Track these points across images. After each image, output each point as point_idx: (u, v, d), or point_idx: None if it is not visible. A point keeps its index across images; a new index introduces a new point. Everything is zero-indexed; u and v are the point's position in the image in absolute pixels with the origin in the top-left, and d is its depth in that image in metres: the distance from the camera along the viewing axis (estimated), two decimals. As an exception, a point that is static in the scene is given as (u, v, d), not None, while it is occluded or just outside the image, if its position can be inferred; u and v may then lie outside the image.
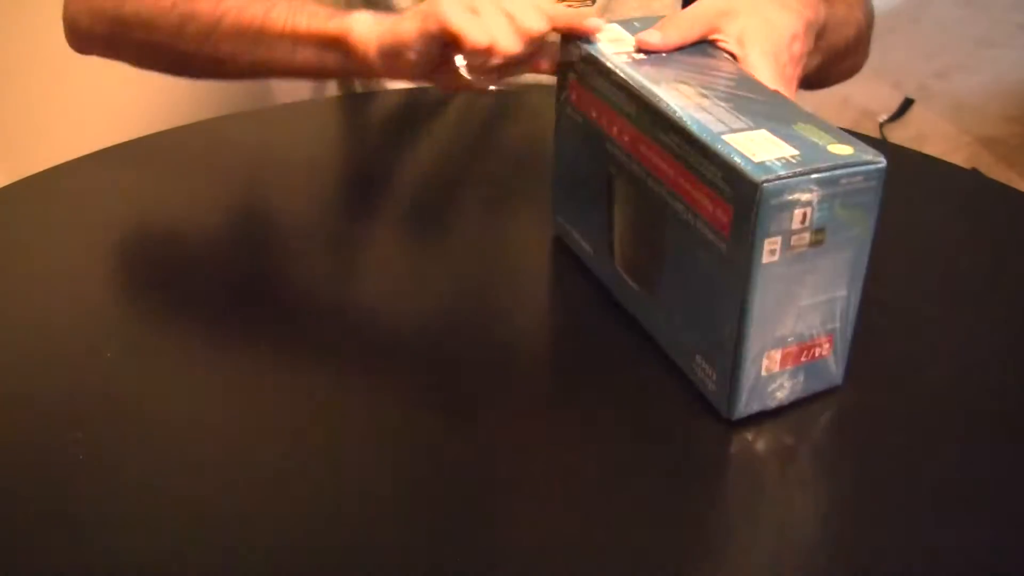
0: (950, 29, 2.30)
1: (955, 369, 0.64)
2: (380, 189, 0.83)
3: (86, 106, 1.20)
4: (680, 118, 0.55)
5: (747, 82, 0.61)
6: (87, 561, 0.49)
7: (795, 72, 0.66)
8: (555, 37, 0.66)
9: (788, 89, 0.64)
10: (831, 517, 0.54)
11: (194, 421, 0.58)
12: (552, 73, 0.67)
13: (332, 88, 1.09)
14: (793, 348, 0.55)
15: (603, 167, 0.63)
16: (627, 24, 0.66)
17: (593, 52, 0.63)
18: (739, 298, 0.53)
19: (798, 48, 0.66)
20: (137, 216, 0.79)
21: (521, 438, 0.58)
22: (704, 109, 0.56)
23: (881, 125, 2.22)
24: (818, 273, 0.54)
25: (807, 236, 0.52)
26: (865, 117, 2.19)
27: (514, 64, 0.66)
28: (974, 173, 1.80)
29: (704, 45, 0.65)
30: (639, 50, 0.63)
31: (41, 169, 0.82)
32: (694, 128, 0.54)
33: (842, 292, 0.55)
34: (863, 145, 0.53)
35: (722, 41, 0.65)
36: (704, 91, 0.58)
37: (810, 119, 0.56)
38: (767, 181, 0.50)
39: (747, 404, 0.56)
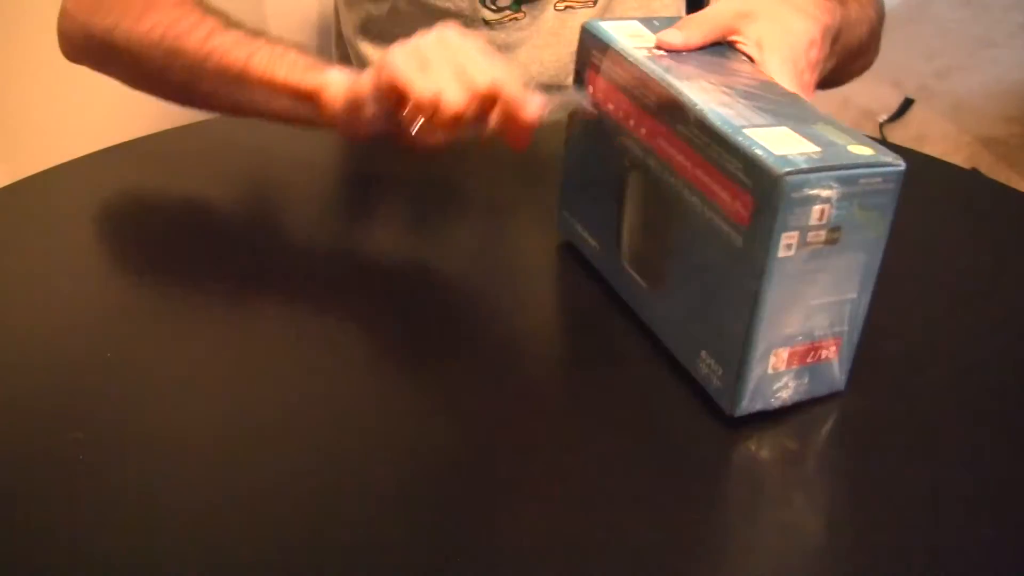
0: (950, 29, 2.29)
1: (955, 369, 0.64)
2: (382, 189, 0.83)
3: (86, 106, 1.20)
4: (701, 110, 0.55)
5: (766, 83, 0.61)
6: (87, 561, 0.49)
7: (812, 78, 0.66)
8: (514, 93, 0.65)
9: (805, 95, 0.64)
10: (831, 517, 0.54)
11: (194, 421, 0.58)
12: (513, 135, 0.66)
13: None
14: (800, 348, 0.55)
15: (617, 161, 0.63)
16: (647, 22, 0.66)
17: (614, 46, 0.63)
18: (751, 292, 0.53)
19: (815, 54, 0.66)
20: (137, 216, 0.79)
21: (521, 438, 0.58)
22: (725, 104, 0.56)
23: (881, 125, 2.22)
24: (830, 273, 0.54)
25: (823, 234, 0.52)
26: (865, 117, 2.19)
27: (466, 123, 0.65)
28: (974, 173, 1.80)
29: (722, 47, 0.65)
30: (659, 48, 0.63)
31: (41, 169, 0.82)
32: (716, 121, 0.54)
33: (852, 295, 0.56)
34: (882, 148, 0.53)
35: (740, 43, 0.65)
36: (725, 88, 0.58)
37: (829, 121, 0.56)
38: (789, 174, 0.50)
39: (751, 402, 0.56)
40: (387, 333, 0.67)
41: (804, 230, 0.52)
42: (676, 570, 0.50)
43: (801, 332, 0.55)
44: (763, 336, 0.54)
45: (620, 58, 0.62)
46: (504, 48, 1.00)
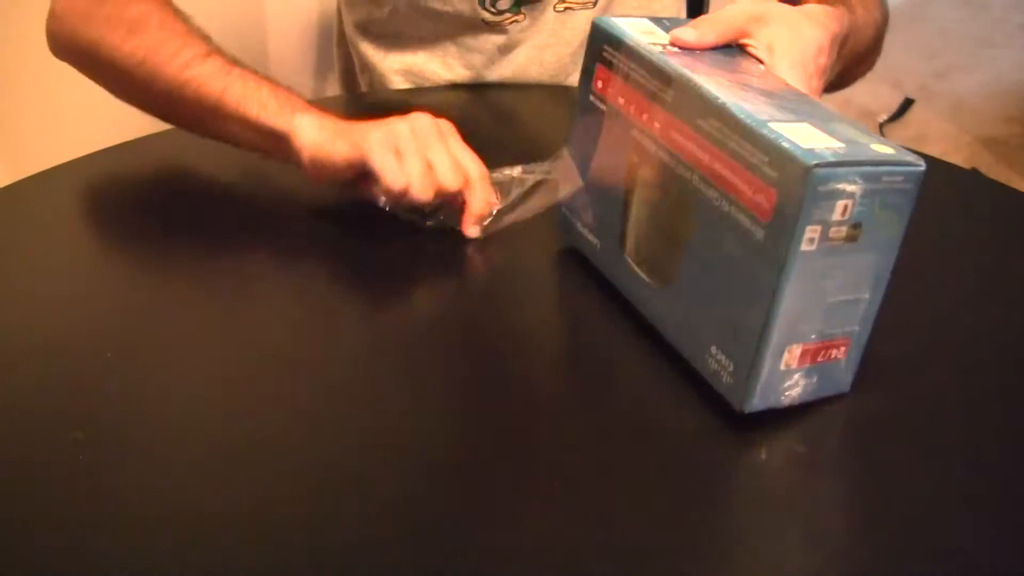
0: (950, 29, 2.29)
1: (956, 369, 0.64)
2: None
3: (85, 106, 1.20)
4: (724, 103, 0.55)
5: (780, 84, 0.61)
6: (87, 561, 0.49)
7: (819, 84, 0.67)
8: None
9: None
10: (833, 517, 0.54)
11: (194, 421, 0.58)
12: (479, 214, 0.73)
13: (333, 88, 1.09)
14: (812, 346, 0.55)
15: (625, 156, 0.63)
16: (657, 21, 0.66)
17: (628, 41, 0.63)
18: (770, 286, 0.53)
19: (823, 61, 0.67)
20: (137, 216, 0.79)
21: (522, 437, 0.58)
22: (746, 100, 0.56)
23: (881, 125, 2.22)
24: (847, 271, 0.54)
25: (844, 230, 0.52)
26: (865, 117, 2.19)
27: (432, 206, 0.73)
28: (974, 173, 1.80)
29: (733, 49, 0.65)
30: (673, 45, 0.63)
31: (41, 169, 0.82)
32: (740, 114, 0.54)
33: (865, 295, 0.56)
34: (902, 148, 0.54)
35: (751, 47, 0.65)
36: (742, 86, 0.58)
37: (847, 121, 0.56)
38: (818, 166, 0.50)
39: (761, 398, 0.56)
40: (387, 333, 0.67)
41: (827, 225, 0.52)
42: (676, 570, 0.50)
43: (815, 330, 0.55)
44: (778, 331, 0.54)
45: (635, 53, 0.62)
46: (504, 49, 1.00)
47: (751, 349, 0.54)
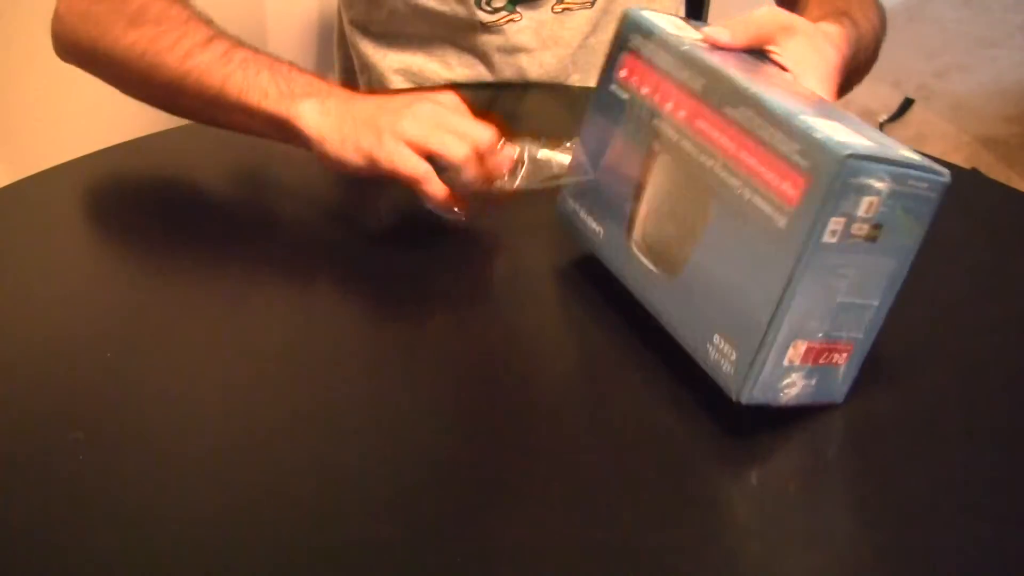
0: (950, 29, 2.29)
1: (956, 369, 0.64)
2: (381, 189, 0.83)
3: (86, 106, 1.20)
4: (757, 93, 0.56)
5: (808, 90, 0.63)
6: (87, 561, 0.49)
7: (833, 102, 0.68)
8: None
9: None
10: (832, 517, 0.54)
11: (194, 421, 0.58)
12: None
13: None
14: (817, 345, 0.55)
15: (644, 144, 0.63)
16: (686, 20, 0.68)
17: (659, 32, 0.64)
18: (786, 274, 0.53)
19: (836, 81, 0.69)
20: (137, 216, 0.79)
21: (521, 438, 0.58)
22: (777, 95, 0.57)
23: (881, 125, 2.22)
24: (861, 272, 0.54)
25: (866, 228, 0.53)
26: (865, 117, 2.19)
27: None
28: (974, 173, 1.80)
29: (759, 54, 0.66)
30: (704, 42, 0.64)
31: (41, 169, 0.82)
32: (773, 104, 0.55)
33: (874, 302, 0.56)
34: (928, 158, 0.54)
35: (775, 54, 0.66)
36: (774, 84, 0.59)
37: (875, 129, 0.57)
38: (851, 156, 0.51)
39: (760, 390, 0.55)
40: (387, 333, 0.67)
41: (851, 219, 0.52)
42: (676, 570, 0.50)
43: (822, 328, 0.55)
44: (788, 322, 0.54)
45: (667, 43, 0.63)
46: (503, 50, 1.00)
47: (758, 337, 0.54)
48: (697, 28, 0.66)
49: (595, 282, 0.69)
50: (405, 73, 1.02)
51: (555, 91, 1.02)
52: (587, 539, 0.51)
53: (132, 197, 0.82)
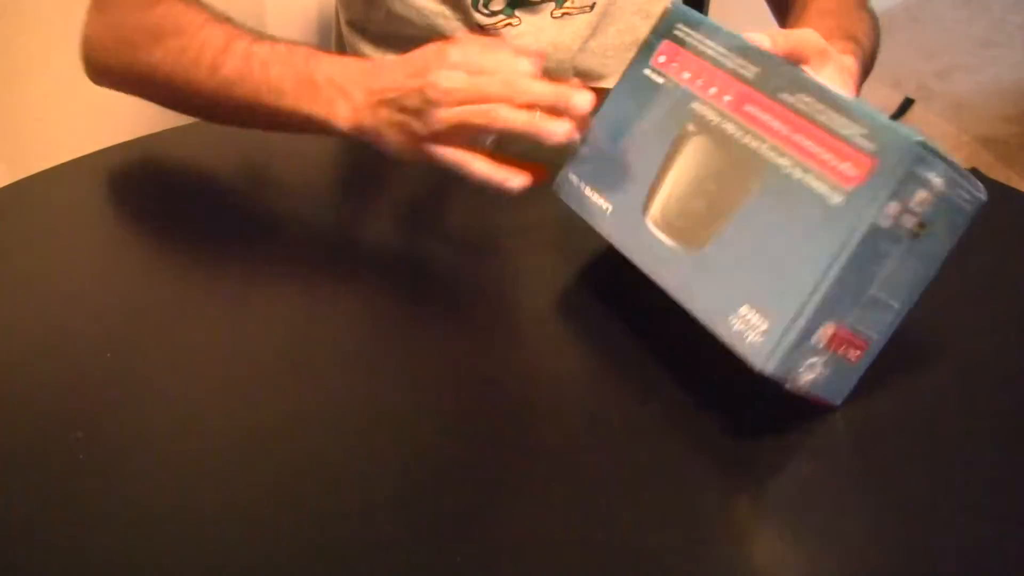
0: (950, 29, 2.29)
1: (956, 369, 0.64)
2: (382, 186, 0.83)
3: (86, 106, 1.20)
4: (818, 81, 0.58)
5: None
6: (87, 561, 0.49)
7: None
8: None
9: None
10: (834, 518, 0.54)
11: (194, 421, 0.58)
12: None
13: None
14: (842, 332, 0.56)
15: (676, 125, 0.64)
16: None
17: (707, 24, 0.66)
18: (836, 248, 0.54)
19: None
20: (137, 216, 0.79)
21: (522, 437, 0.58)
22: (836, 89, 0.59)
23: (881, 125, 2.21)
24: (896, 268, 0.56)
25: (914, 221, 0.54)
26: (865, 117, 2.19)
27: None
28: (974, 173, 1.80)
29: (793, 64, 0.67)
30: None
31: (41, 169, 0.82)
32: (835, 91, 0.57)
33: (896, 304, 0.57)
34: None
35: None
36: (826, 82, 0.61)
37: None
38: (920, 144, 0.53)
39: (783, 363, 0.55)
40: (386, 333, 0.67)
41: (904, 208, 0.54)
42: (676, 570, 0.50)
43: (850, 316, 0.56)
44: (826, 297, 0.54)
45: (716, 33, 0.65)
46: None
47: (795, 308, 0.55)
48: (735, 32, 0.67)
49: (595, 282, 0.69)
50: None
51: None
52: (587, 539, 0.51)
53: (132, 197, 0.82)
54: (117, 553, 0.49)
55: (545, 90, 0.67)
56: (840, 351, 0.57)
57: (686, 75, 0.65)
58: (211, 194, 0.82)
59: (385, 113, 0.71)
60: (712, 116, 0.63)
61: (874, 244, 0.54)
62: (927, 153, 0.53)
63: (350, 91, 0.72)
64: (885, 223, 0.54)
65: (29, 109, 1.34)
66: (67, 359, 0.63)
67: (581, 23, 0.99)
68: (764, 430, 0.58)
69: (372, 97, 0.72)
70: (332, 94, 0.73)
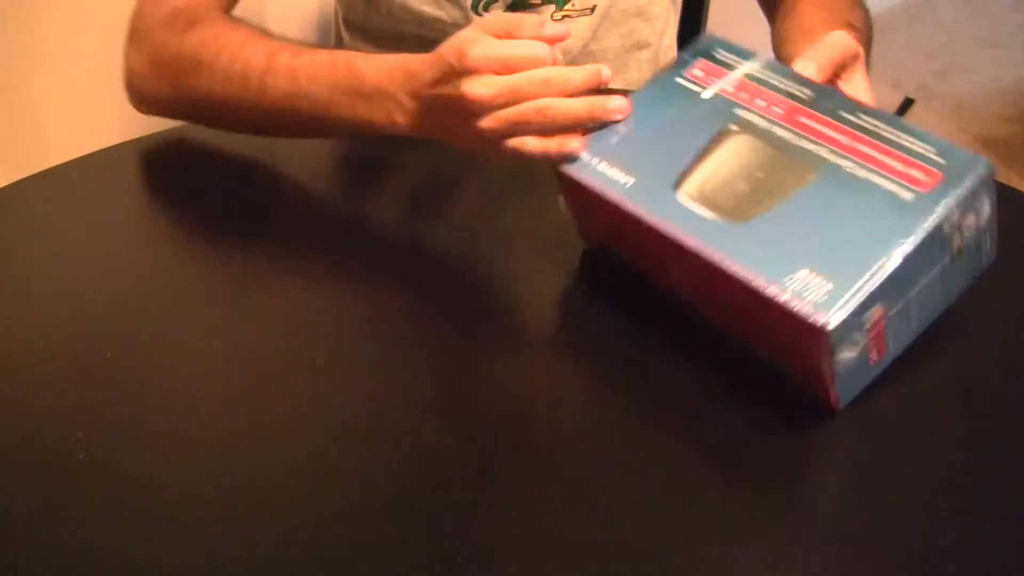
0: (950, 29, 2.29)
1: (955, 369, 0.64)
2: (383, 186, 0.83)
3: (86, 106, 1.20)
4: (880, 111, 0.62)
5: None
6: (88, 560, 0.49)
7: None
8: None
9: None
10: (834, 518, 0.54)
11: (194, 420, 0.58)
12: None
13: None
14: (882, 325, 0.57)
15: (716, 123, 0.66)
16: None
17: (748, 51, 0.69)
18: (907, 231, 0.56)
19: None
20: (137, 216, 0.79)
21: (522, 437, 0.58)
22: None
23: (881, 125, 2.21)
24: (931, 284, 0.58)
25: (959, 242, 0.58)
26: (865, 117, 2.19)
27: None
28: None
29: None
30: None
31: (41, 169, 0.82)
32: (899, 119, 0.61)
33: (915, 323, 0.59)
34: None
35: (842, 82, 0.69)
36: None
37: None
38: (987, 167, 0.58)
39: (845, 323, 0.55)
40: (386, 333, 0.67)
41: (962, 222, 0.57)
42: (676, 571, 0.50)
43: (893, 309, 0.57)
44: (890, 276, 0.55)
45: (759, 59, 0.68)
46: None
47: (863, 276, 0.56)
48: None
49: (595, 282, 0.69)
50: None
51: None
52: (587, 539, 0.51)
53: (132, 197, 0.82)
54: (117, 553, 0.49)
55: (579, 76, 0.67)
56: (871, 343, 0.57)
57: (728, 88, 0.67)
58: (211, 194, 0.82)
59: (437, 116, 0.70)
60: (760, 122, 0.64)
61: (934, 243, 0.56)
62: (988, 177, 0.57)
63: (399, 98, 0.72)
64: (947, 227, 0.56)
65: (29, 109, 1.34)
66: (67, 359, 0.63)
67: (581, 26, 0.99)
68: (764, 430, 0.58)
69: (418, 102, 0.71)
70: (384, 102, 0.73)
